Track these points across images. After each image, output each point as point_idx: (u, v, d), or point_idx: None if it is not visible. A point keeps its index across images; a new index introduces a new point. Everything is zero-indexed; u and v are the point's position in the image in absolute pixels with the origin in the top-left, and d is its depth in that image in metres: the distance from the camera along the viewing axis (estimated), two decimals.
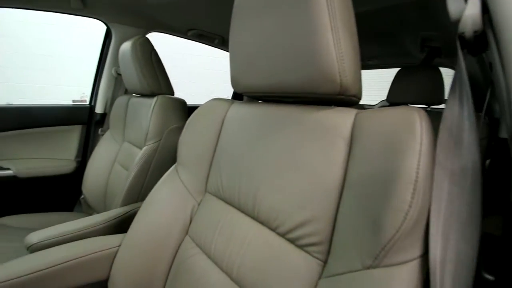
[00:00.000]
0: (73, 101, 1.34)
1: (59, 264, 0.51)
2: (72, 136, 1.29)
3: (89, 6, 1.08)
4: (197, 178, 0.59)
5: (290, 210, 0.39)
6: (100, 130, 1.32)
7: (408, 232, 0.28)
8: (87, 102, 1.34)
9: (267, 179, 0.44)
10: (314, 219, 0.37)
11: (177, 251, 0.55)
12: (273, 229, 0.42)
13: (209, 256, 0.49)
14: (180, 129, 0.98)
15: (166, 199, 0.59)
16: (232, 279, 0.43)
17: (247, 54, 0.46)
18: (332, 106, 0.42)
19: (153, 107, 0.92)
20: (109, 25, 1.23)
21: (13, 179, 1.13)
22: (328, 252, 0.35)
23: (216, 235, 0.49)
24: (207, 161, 0.58)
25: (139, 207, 0.87)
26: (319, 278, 0.35)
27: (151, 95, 0.99)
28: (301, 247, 0.38)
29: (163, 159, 0.93)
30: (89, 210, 1.18)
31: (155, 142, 0.91)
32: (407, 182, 0.28)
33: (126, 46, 0.99)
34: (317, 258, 0.36)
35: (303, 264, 0.37)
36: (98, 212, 1.09)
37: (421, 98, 1.20)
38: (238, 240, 0.46)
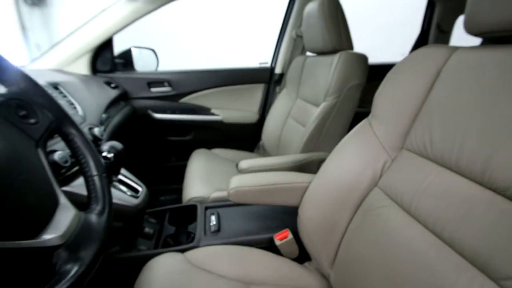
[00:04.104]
0: (260, 63, 1.60)
1: (271, 184, 0.67)
2: (257, 93, 1.58)
3: None
4: (393, 133, 0.57)
5: None
6: (278, 88, 1.53)
7: None
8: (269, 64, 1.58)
9: None
10: None
11: (363, 198, 0.58)
12: None
13: (408, 212, 0.48)
14: (360, 86, 0.96)
15: (357, 149, 0.62)
16: (444, 241, 0.41)
17: None
18: None
19: (337, 63, 0.94)
20: None
21: (220, 123, 1.55)
22: None
23: (419, 193, 0.47)
24: (410, 116, 0.54)
25: (316, 155, 0.97)
26: None
27: (332, 52, 1.01)
28: None
29: (340, 115, 0.97)
30: (265, 153, 1.46)
31: (335, 98, 0.95)
32: None
33: (313, 4, 1.03)
34: None
35: None
36: (271, 155, 1.33)
37: None
38: (453, 204, 0.42)
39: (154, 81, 1.48)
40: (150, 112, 1.48)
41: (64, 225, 0.34)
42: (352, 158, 0.62)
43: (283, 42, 1.47)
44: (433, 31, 1.56)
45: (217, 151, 1.46)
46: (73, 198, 0.40)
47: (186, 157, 1.37)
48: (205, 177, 1.10)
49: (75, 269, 0.32)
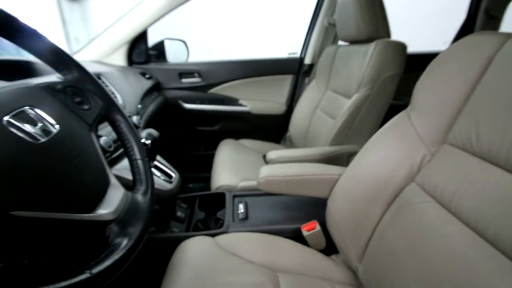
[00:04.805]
0: (289, 53, 1.58)
1: (302, 175, 0.68)
2: (285, 84, 1.57)
3: None
4: (434, 126, 0.54)
5: None
6: (307, 79, 1.51)
7: None
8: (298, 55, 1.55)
9: None
10: None
11: (398, 193, 0.56)
12: None
13: (448, 209, 0.46)
14: (396, 77, 0.91)
15: (393, 143, 0.60)
16: (487, 240, 0.39)
17: None
18: None
19: (372, 52, 0.90)
20: None
21: (248, 113, 1.57)
22: None
23: (461, 190, 0.45)
24: (455, 108, 0.51)
25: (346, 148, 0.95)
26: None
27: (367, 40, 0.97)
28: None
29: (373, 107, 0.93)
30: (292, 145, 1.45)
31: (368, 89, 0.92)
32: None
33: None
34: None
35: None
36: (298, 147, 1.32)
37: None
38: (500, 202, 0.39)
39: (185, 72, 1.52)
40: (180, 102, 1.53)
41: (115, 203, 0.38)
42: (387, 152, 0.60)
43: (314, 31, 1.43)
44: (481, 17, 1.42)
45: (244, 141, 1.48)
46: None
47: (214, 146, 1.41)
48: (233, 166, 1.13)
49: (125, 242, 0.35)
